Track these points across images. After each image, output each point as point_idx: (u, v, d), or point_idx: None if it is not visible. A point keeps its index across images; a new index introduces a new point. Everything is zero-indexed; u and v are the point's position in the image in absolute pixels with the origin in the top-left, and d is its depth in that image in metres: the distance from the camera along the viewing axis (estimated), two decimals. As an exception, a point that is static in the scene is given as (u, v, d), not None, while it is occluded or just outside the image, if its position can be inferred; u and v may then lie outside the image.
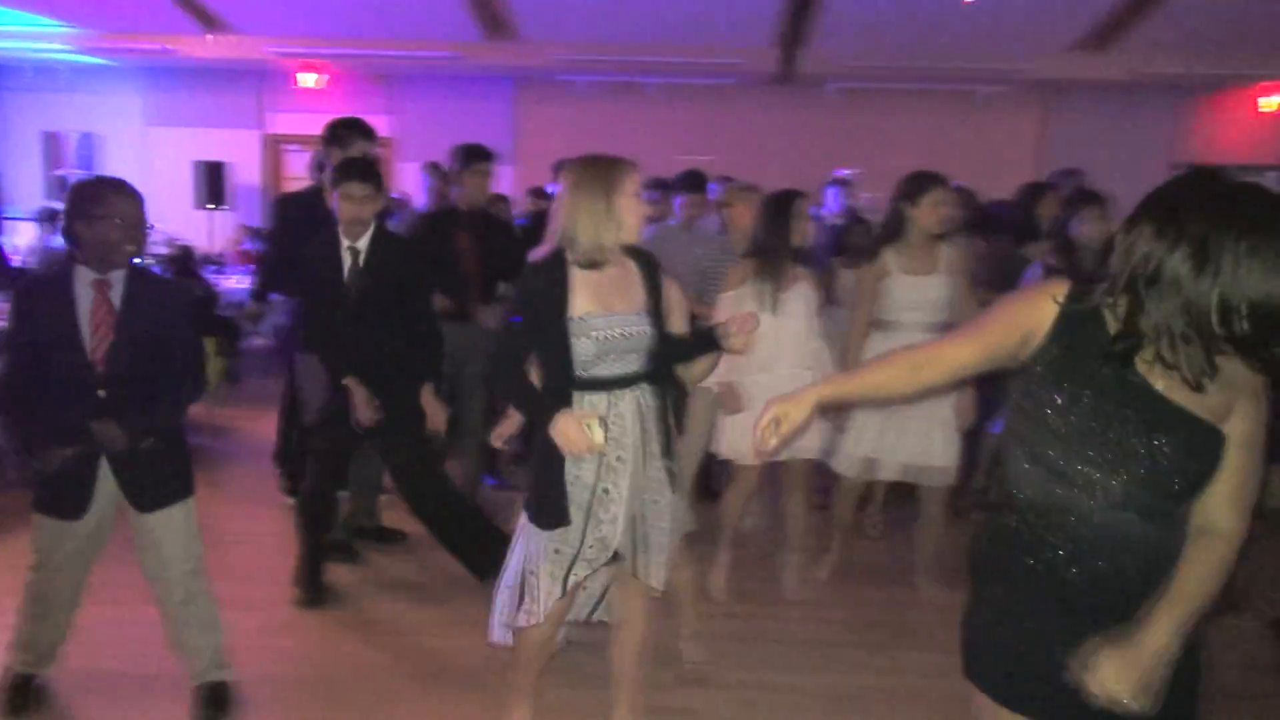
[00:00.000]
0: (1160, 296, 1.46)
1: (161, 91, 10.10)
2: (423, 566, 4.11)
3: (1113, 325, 1.54)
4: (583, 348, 2.38)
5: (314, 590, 3.70)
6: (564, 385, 2.40)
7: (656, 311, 2.51)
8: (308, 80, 9.97)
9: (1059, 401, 1.56)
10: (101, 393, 2.61)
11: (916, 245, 3.63)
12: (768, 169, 7.95)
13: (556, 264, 2.42)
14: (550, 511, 2.43)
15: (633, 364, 2.46)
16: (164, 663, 3.01)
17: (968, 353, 1.68)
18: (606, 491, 2.44)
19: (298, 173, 10.34)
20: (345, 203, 3.47)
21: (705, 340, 2.63)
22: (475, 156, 4.58)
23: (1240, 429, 1.55)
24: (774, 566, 3.96)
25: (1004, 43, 8.72)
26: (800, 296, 3.65)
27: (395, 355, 3.60)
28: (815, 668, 3.33)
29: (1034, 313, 1.61)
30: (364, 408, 3.53)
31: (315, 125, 10.05)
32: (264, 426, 6.47)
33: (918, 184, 3.61)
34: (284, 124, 10.29)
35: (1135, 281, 1.48)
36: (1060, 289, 1.61)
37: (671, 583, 3.02)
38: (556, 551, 2.45)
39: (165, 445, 2.72)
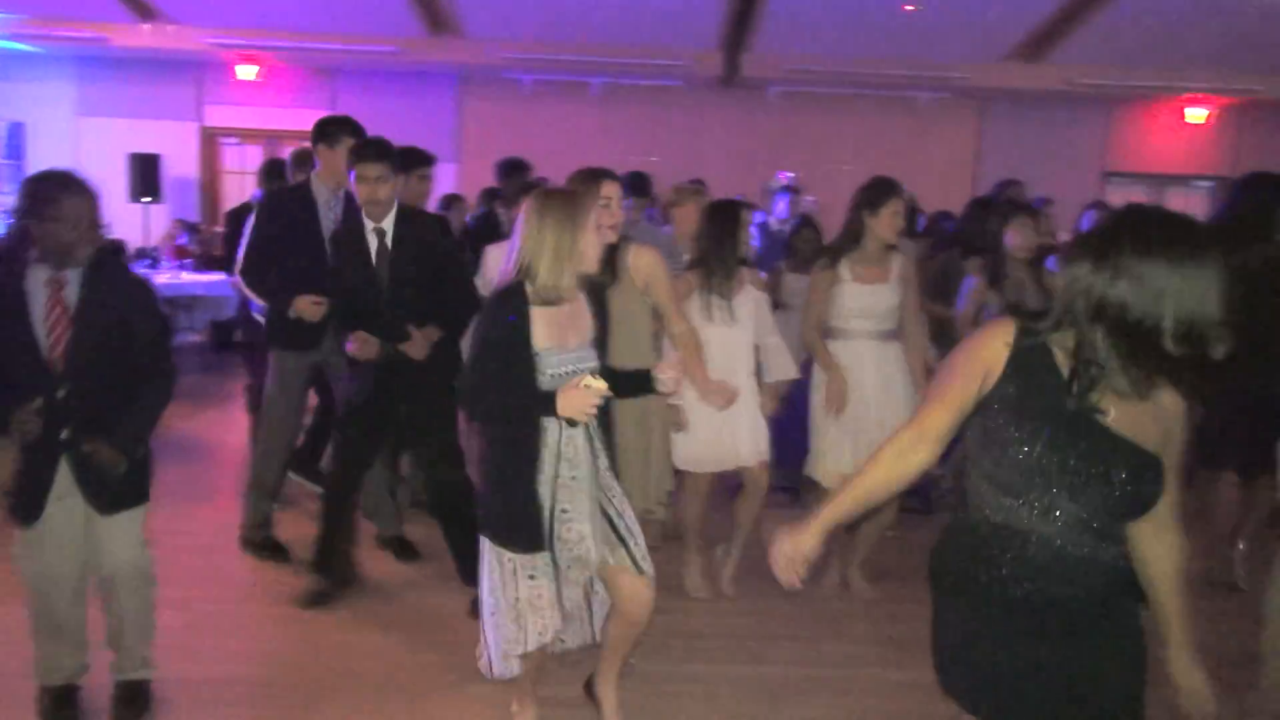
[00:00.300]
0: (1105, 327, 1.55)
1: (94, 81, 9.82)
2: (365, 564, 4.07)
3: (1061, 359, 1.63)
4: (540, 381, 2.45)
5: (329, 585, 3.66)
6: (521, 414, 2.47)
7: (603, 342, 2.61)
8: (247, 73, 9.78)
9: (1019, 436, 1.63)
10: (60, 392, 2.56)
11: (871, 253, 3.65)
12: (711, 170, 8.01)
13: (518, 295, 2.46)
14: (526, 534, 2.47)
15: None
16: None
17: (943, 417, 1.71)
18: (565, 511, 2.50)
19: (236, 166, 10.18)
20: (361, 184, 3.45)
21: (640, 381, 2.68)
22: (416, 161, 4.53)
23: (1173, 457, 1.68)
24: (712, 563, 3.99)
25: (942, 50, 8.90)
26: (749, 301, 3.69)
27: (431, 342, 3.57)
28: (737, 659, 3.37)
29: (986, 355, 1.68)
30: (361, 346, 3.48)
31: (254, 119, 10.01)
32: (196, 425, 6.34)
33: (879, 193, 3.62)
34: (222, 117, 10.08)
35: (1079, 315, 1.58)
36: (1008, 328, 1.68)
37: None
38: (531, 577, 2.48)
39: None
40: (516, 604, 2.49)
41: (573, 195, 2.51)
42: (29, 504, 2.64)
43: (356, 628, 3.51)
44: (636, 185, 5.04)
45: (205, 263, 8.43)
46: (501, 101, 9.90)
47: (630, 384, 2.69)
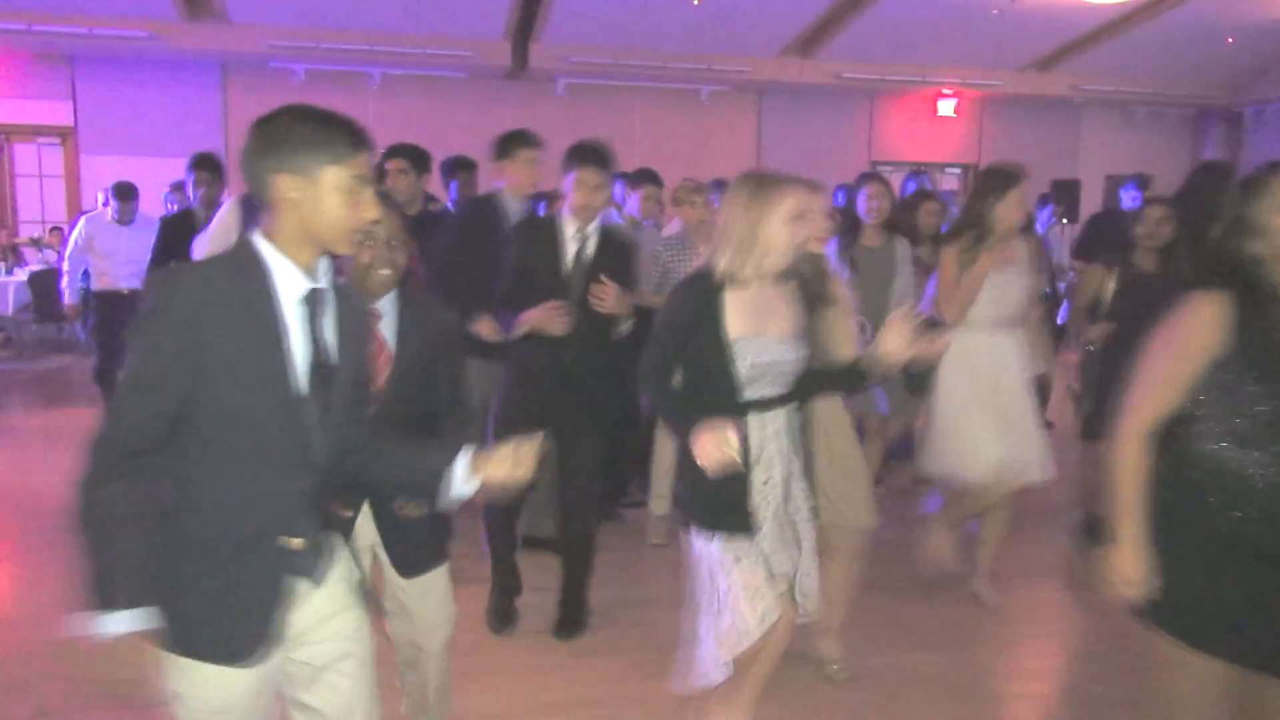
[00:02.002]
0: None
1: None
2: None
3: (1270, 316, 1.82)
4: (731, 369, 2.34)
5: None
6: (723, 407, 2.31)
7: (807, 335, 2.47)
8: (-33, 59, 8.64)
9: (1252, 390, 1.81)
10: None
11: (1000, 240, 3.55)
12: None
13: (706, 278, 2.36)
14: (737, 513, 2.37)
15: (782, 386, 2.42)
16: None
17: (1176, 399, 1.89)
18: (761, 512, 2.41)
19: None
20: (579, 189, 3.26)
21: (854, 375, 2.50)
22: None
23: None
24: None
25: (724, 45, 9.20)
26: None
27: (608, 349, 3.36)
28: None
29: (1206, 332, 1.83)
30: (551, 316, 3.17)
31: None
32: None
33: (1004, 181, 3.54)
34: (-64, 109, 8.86)
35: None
36: (1215, 299, 1.83)
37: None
38: (737, 560, 2.36)
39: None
40: (730, 592, 2.35)
41: (762, 180, 2.37)
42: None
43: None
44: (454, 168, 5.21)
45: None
46: (271, 93, 9.22)
47: (843, 380, 2.57)
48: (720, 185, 5.78)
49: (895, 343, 2.34)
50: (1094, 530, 3.98)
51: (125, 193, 6.00)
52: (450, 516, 2.50)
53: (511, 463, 1.70)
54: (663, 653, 3.22)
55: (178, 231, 4.82)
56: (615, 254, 3.42)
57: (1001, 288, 3.57)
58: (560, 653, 3.29)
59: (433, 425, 2.35)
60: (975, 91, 10.69)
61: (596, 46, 9.02)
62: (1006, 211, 3.53)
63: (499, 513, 3.53)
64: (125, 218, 5.93)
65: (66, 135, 9.08)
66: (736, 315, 2.37)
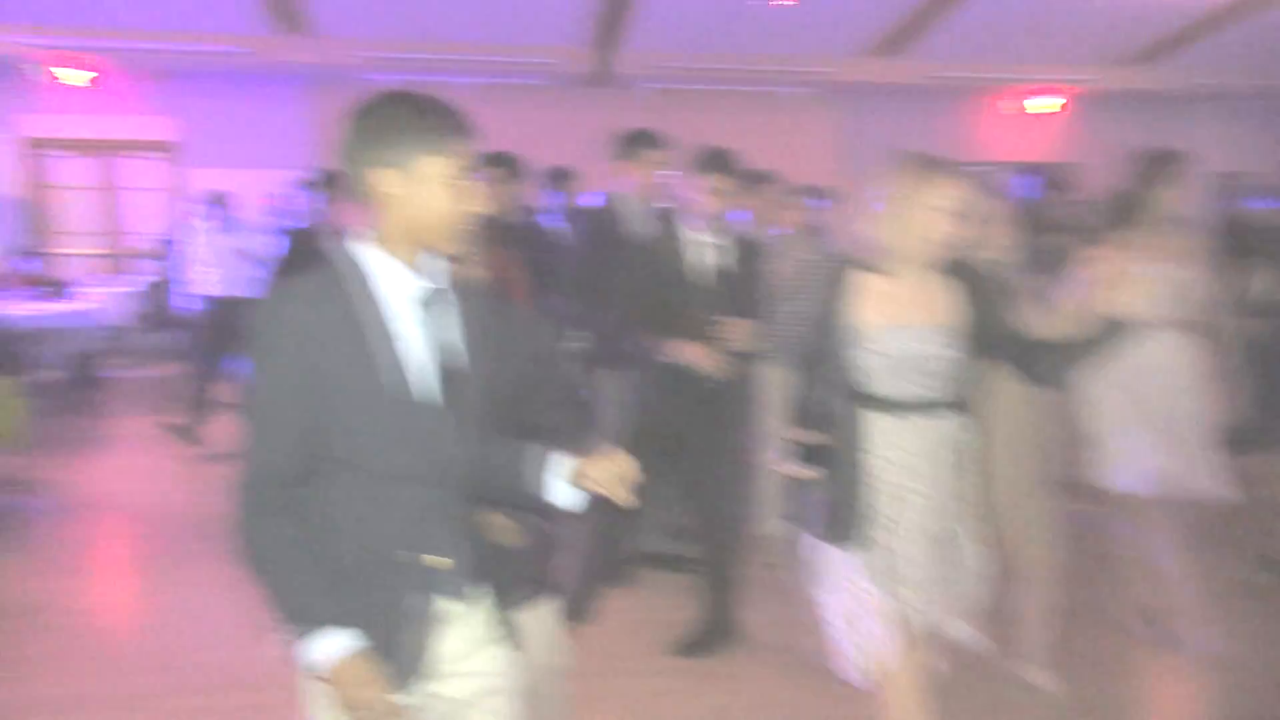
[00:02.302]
0: None
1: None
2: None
3: None
4: (862, 360, 2.21)
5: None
6: (843, 398, 2.23)
7: (971, 334, 2.28)
8: (72, 77, 8.90)
9: None
10: None
11: (1160, 231, 3.28)
12: (582, 170, 7.88)
13: (840, 266, 2.29)
14: (845, 525, 2.25)
15: (930, 388, 2.24)
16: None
17: None
18: (894, 521, 2.25)
19: (63, 180, 9.30)
20: (710, 196, 3.27)
21: (1102, 335, 2.23)
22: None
23: None
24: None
25: (808, 46, 9.10)
26: None
27: (745, 364, 3.33)
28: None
29: None
30: (700, 354, 3.18)
31: (84, 128, 9.12)
32: (72, 474, 5.67)
33: (1166, 164, 3.25)
34: (44, 127, 9.15)
35: None
36: None
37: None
38: (846, 571, 2.27)
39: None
40: (835, 603, 2.29)
41: (918, 163, 2.24)
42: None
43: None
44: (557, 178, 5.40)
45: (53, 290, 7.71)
46: (360, 105, 9.41)
47: (1050, 358, 2.29)
48: (813, 190, 5.69)
49: (1123, 294, 2.17)
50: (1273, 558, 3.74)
51: (221, 201, 6.26)
52: (549, 552, 2.24)
53: (612, 475, 1.56)
54: (792, 673, 3.22)
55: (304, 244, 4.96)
56: (749, 260, 3.39)
57: (1159, 282, 3.17)
58: (689, 676, 3.24)
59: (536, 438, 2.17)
60: (1071, 87, 10.39)
61: (679, 51, 8.99)
62: (1166, 198, 3.24)
63: (608, 528, 3.48)
64: (222, 226, 6.19)
65: (170, 150, 9.35)
66: (869, 300, 2.25)
